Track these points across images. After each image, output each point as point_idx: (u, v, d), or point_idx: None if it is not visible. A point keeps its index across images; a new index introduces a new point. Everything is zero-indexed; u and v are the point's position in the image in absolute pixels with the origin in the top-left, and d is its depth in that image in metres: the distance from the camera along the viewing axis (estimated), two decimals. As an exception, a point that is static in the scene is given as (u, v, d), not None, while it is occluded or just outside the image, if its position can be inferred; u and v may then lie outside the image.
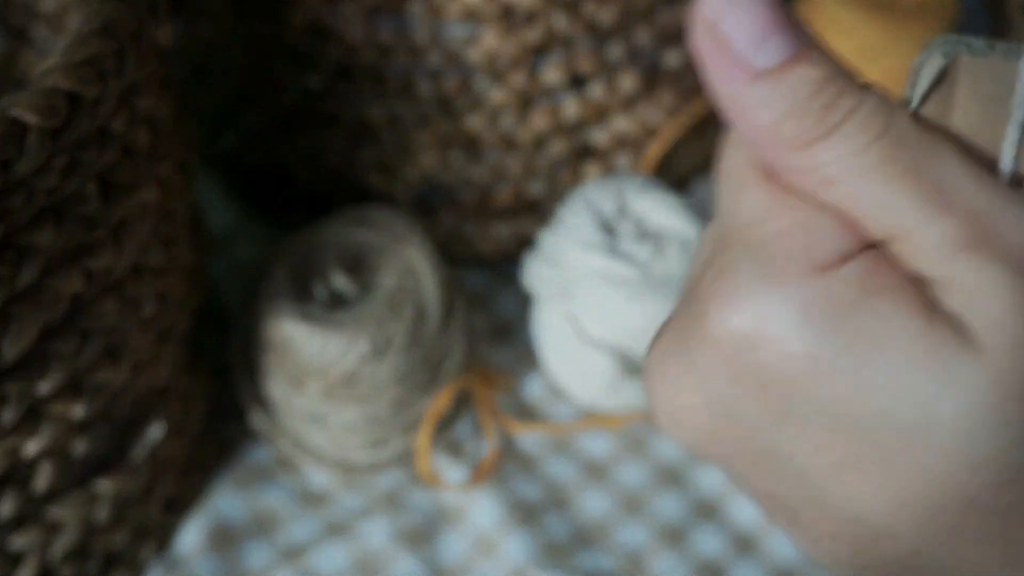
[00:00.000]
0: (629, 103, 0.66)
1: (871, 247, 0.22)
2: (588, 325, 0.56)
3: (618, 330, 0.55)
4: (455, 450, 0.59)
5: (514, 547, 0.55)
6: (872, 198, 0.21)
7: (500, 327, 0.64)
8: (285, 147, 0.67)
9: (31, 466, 0.45)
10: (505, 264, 0.67)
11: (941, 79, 0.23)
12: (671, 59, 0.66)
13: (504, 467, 0.58)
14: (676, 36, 0.65)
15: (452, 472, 0.58)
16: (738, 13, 0.21)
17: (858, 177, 0.21)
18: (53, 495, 0.47)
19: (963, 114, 0.23)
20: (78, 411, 0.45)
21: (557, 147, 0.65)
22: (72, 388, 0.44)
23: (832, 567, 0.25)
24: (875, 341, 0.21)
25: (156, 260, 0.47)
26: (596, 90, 0.64)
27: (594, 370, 0.56)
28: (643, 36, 0.63)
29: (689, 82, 0.68)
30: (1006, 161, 0.22)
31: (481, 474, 0.57)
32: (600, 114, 0.65)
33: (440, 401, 0.55)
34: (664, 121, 0.67)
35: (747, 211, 0.23)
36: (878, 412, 0.21)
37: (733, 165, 0.23)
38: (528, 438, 0.60)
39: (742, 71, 0.21)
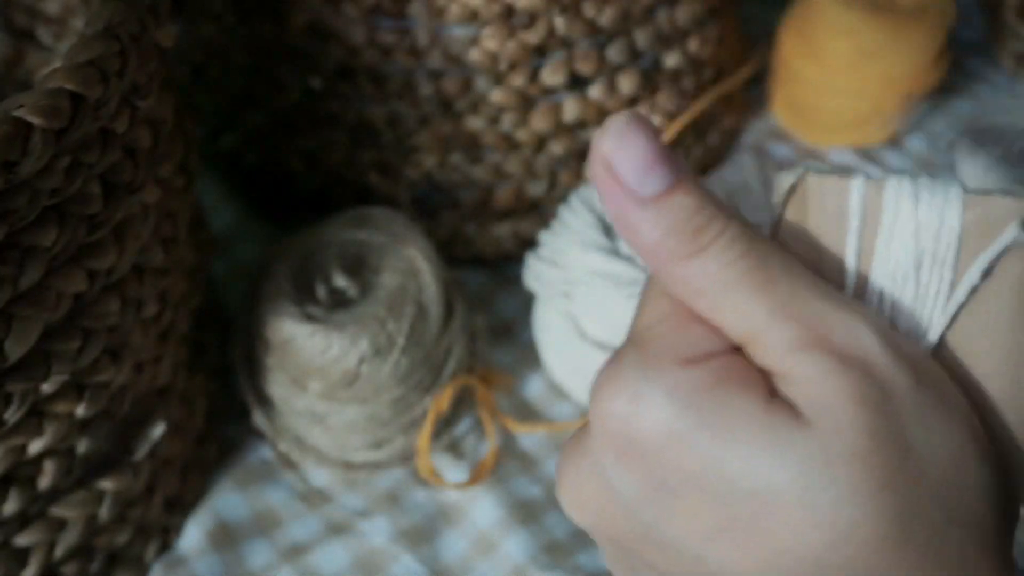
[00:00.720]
0: (629, 104, 0.66)
1: (735, 349, 0.26)
2: (588, 325, 0.56)
3: (618, 330, 0.55)
4: (455, 450, 0.59)
5: (514, 546, 0.55)
6: (732, 307, 0.26)
7: (500, 327, 0.64)
8: (286, 147, 0.67)
9: (35, 465, 0.45)
10: (505, 264, 0.67)
11: (794, 191, 0.28)
12: (671, 60, 0.66)
13: (504, 467, 0.58)
14: (676, 37, 0.65)
15: (452, 472, 0.58)
16: (627, 150, 0.25)
17: (721, 289, 0.26)
18: (56, 494, 0.48)
19: (814, 220, 0.28)
20: (80, 410, 0.45)
21: (557, 147, 0.65)
22: (74, 387, 0.44)
23: None
24: (725, 420, 0.25)
25: (158, 260, 0.48)
26: (596, 90, 0.64)
27: (594, 370, 0.56)
28: (643, 37, 0.63)
29: (689, 83, 0.68)
30: (850, 263, 0.28)
31: (481, 474, 0.57)
32: (600, 114, 0.65)
33: (441, 401, 0.56)
34: (664, 121, 0.67)
35: (645, 316, 0.27)
36: (729, 481, 0.25)
37: (647, 284, 0.28)
38: (528, 438, 0.60)
39: (631, 199, 0.26)
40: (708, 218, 0.26)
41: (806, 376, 0.25)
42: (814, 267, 0.28)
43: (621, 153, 0.26)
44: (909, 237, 0.27)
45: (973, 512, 0.25)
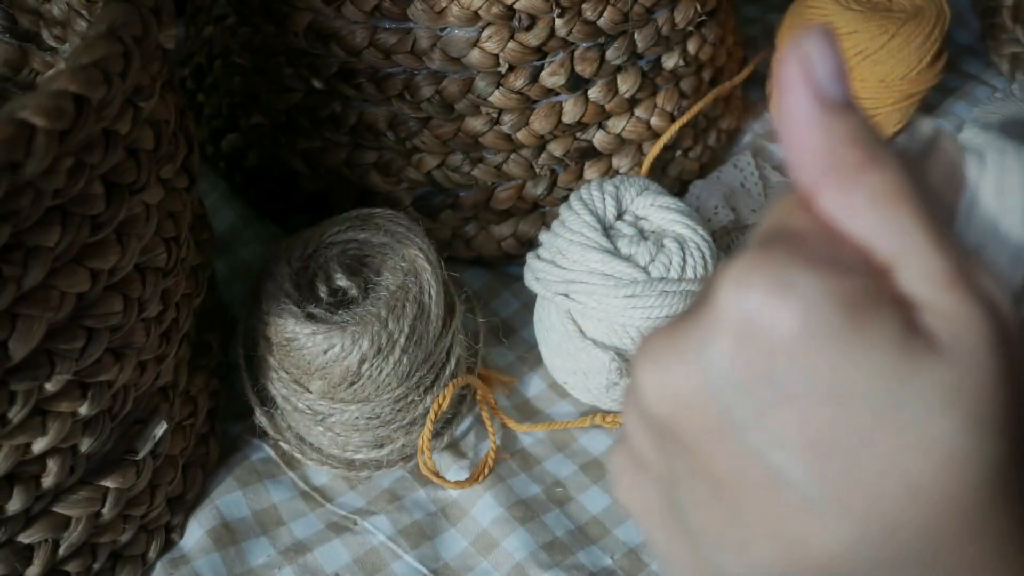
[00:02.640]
0: (629, 104, 0.66)
1: (879, 273, 0.26)
2: (588, 325, 0.56)
3: (618, 330, 0.56)
4: (456, 449, 0.59)
5: (514, 545, 0.55)
6: (891, 224, 0.26)
7: (500, 327, 0.64)
8: (288, 148, 0.67)
9: (39, 463, 0.45)
10: (505, 264, 0.67)
11: (928, 142, 0.29)
12: (671, 60, 0.66)
13: (504, 466, 0.58)
14: (676, 38, 0.66)
15: (453, 471, 0.58)
16: (827, 54, 0.27)
17: (884, 204, 0.26)
18: (60, 492, 0.48)
19: (936, 175, 0.29)
20: (84, 409, 0.45)
21: (557, 148, 0.65)
22: (77, 386, 0.45)
23: None
24: (865, 333, 0.25)
25: (160, 260, 0.48)
26: (596, 91, 0.64)
27: (594, 370, 0.57)
28: (643, 38, 0.63)
29: (689, 83, 0.68)
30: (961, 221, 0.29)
31: (482, 472, 0.57)
32: (600, 115, 0.65)
33: (441, 400, 0.56)
34: (664, 121, 0.67)
35: (784, 221, 0.27)
36: (853, 392, 0.25)
37: (776, 202, 0.28)
38: (528, 437, 0.60)
39: (819, 99, 0.27)
40: (878, 139, 0.27)
41: (954, 312, 0.25)
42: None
43: (821, 54, 0.27)
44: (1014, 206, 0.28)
45: None
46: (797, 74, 0.27)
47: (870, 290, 0.25)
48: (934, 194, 0.28)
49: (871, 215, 0.26)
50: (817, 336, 0.25)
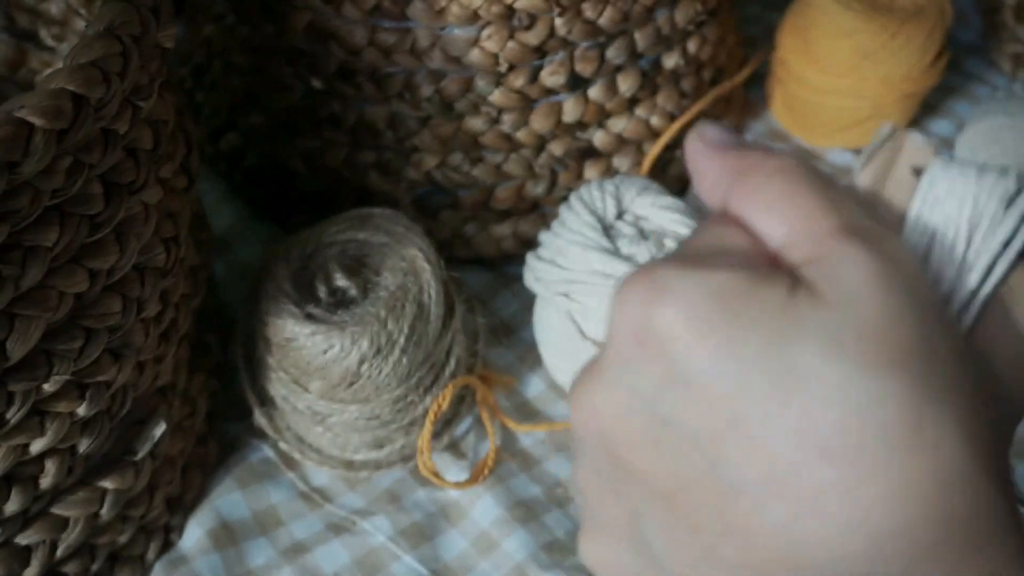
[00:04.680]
0: (629, 104, 0.66)
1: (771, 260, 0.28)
2: (588, 325, 0.56)
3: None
4: (456, 449, 0.59)
5: (514, 546, 0.55)
6: (781, 200, 0.28)
7: (500, 327, 0.64)
8: (287, 148, 0.67)
9: (36, 464, 0.45)
10: (505, 264, 0.67)
11: (887, 143, 0.30)
12: (671, 60, 0.66)
13: (504, 466, 0.58)
14: (676, 37, 0.66)
15: (453, 471, 0.58)
16: (715, 129, 0.31)
17: (777, 184, 0.28)
18: (58, 493, 0.48)
19: (895, 175, 0.30)
20: (82, 409, 0.45)
21: (557, 147, 0.65)
22: (76, 387, 0.45)
23: None
24: (746, 309, 0.26)
25: (159, 260, 0.48)
26: (596, 91, 0.64)
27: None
28: (643, 37, 0.63)
29: (688, 83, 0.68)
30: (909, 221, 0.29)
31: (481, 473, 0.57)
32: (600, 114, 0.65)
33: (441, 400, 0.56)
34: (664, 121, 0.67)
35: (683, 242, 0.30)
36: (746, 365, 0.25)
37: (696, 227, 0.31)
38: (528, 437, 0.60)
39: (714, 141, 0.30)
40: (766, 147, 0.29)
41: (835, 256, 0.26)
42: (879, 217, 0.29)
43: (711, 128, 0.31)
44: (958, 207, 0.29)
45: (986, 417, 0.26)
46: (692, 138, 0.31)
47: (749, 274, 0.26)
48: (873, 196, 0.30)
49: (768, 192, 0.28)
50: (698, 326, 0.26)
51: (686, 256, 0.27)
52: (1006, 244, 0.28)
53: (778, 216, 0.27)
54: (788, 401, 0.25)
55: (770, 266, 0.27)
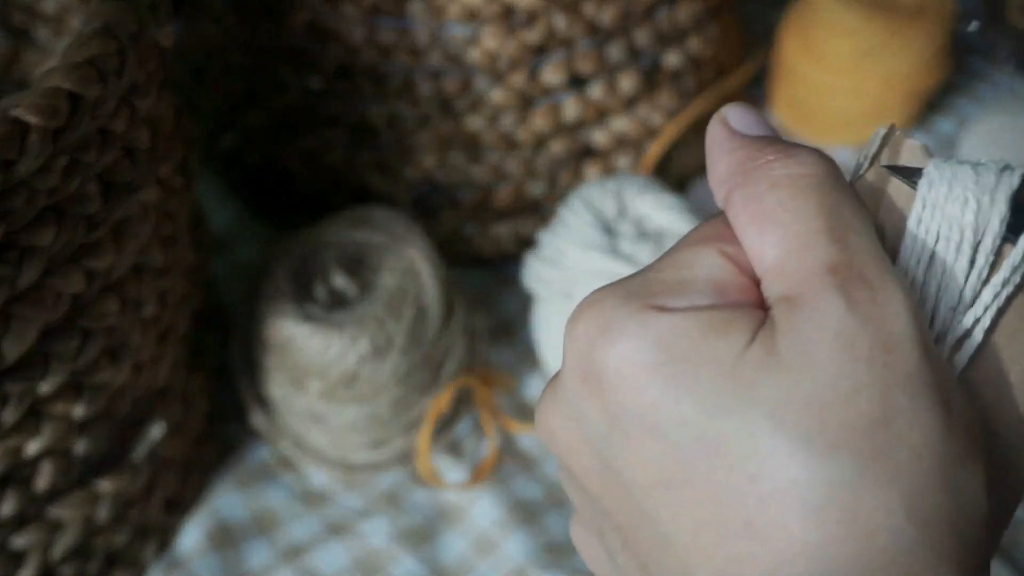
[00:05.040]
0: (629, 103, 0.66)
1: (750, 291, 0.26)
2: (588, 325, 0.56)
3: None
4: (455, 450, 0.59)
5: (514, 547, 0.55)
6: (791, 218, 0.25)
7: (500, 327, 0.64)
8: (286, 147, 0.67)
9: (32, 466, 0.45)
10: (505, 264, 0.67)
11: (885, 147, 0.28)
12: (671, 59, 0.66)
13: (504, 467, 0.58)
14: (676, 37, 0.65)
15: (452, 472, 0.58)
16: (743, 113, 0.28)
17: (786, 197, 0.25)
18: (54, 495, 0.48)
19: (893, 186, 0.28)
20: (79, 411, 0.45)
21: (557, 147, 0.65)
22: (73, 388, 0.44)
23: None
24: (689, 363, 0.24)
25: (157, 260, 0.47)
26: (596, 90, 0.64)
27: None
28: (643, 36, 0.63)
29: (689, 83, 0.68)
30: (908, 238, 0.27)
31: (481, 474, 0.57)
32: (600, 114, 0.65)
33: (440, 401, 0.56)
34: (664, 121, 0.67)
35: (655, 263, 0.27)
36: (679, 426, 0.24)
37: (683, 238, 0.28)
38: (528, 438, 0.60)
39: (734, 125, 0.28)
40: (792, 144, 0.26)
41: (808, 304, 0.24)
42: (878, 227, 0.27)
43: (737, 111, 0.28)
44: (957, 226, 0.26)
45: (962, 510, 0.23)
46: (715, 121, 0.28)
47: (704, 321, 0.24)
48: (878, 202, 0.27)
49: (768, 206, 0.25)
50: (637, 374, 0.24)
51: (643, 287, 0.25)
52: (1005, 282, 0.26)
53: (772, 238, 0.25)
54: (715, 469, 0.23)
55: (734, 306, 0.25)
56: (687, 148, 0.71)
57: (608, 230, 0.56)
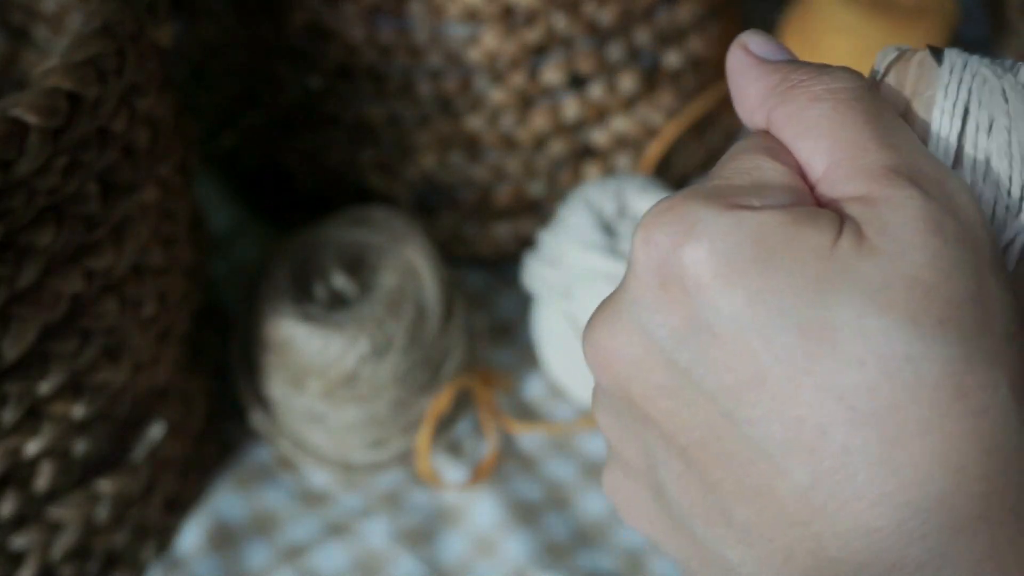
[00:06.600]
0: (629, 103, 0.66)
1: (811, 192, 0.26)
2: (588, 325, 0.56)
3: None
4: (455, 450, 0.59)
5: (514, 547, 0.55)
6: (838, 128, 0.25)
7: (500, 327, 0.64)
8: (285, 147, 0.67)
9: (31, 466, 0.45)
10: (505, 264, 0.67)
11: (896, 65, 0.28)
12: (671, 59, 0.66)
13: (504, 467, 0.58)
14: (676, 36, 0.65)
15: (452, 472, 0.58)
16: (762, 39, 0.28)
17: (832, 110, 0.25)
18: (53, 495, 0.47)
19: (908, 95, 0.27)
20: (78, 411, 0.45)
21: (557, 147, 0.65)
22: (72, 388, 0.44)
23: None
24: (782, 256, 0.24)
25: (156, 260, 0.47)
26: (596, 90, 0.64)
27: (594, 370, 0.56)
28: (643, 36, 0.63)
29: (689, 82, 0.68)
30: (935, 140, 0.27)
31: (481, 474, 0.57)
32: (600, 114, 0.65)
33: (440, 401, 0.55)
34: (664, 121, 0.67)
35: (715, 169, 0.27)
36: (778, 316, 0.24)
37: (730, 150, 0.28)
38: (528, 438, 0.60)
39: (757, 53, 0.28)
40: (821, 64, 0.27)
41: (886, 199, 0.24)
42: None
43: (756, 37, 0.28)
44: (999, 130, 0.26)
45: None
46: (735, 48, 0.28)
47: (789, 214, 0.24)
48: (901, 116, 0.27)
49: (814, 117, 0.25)
50: (729, 271, 0.24)
51: (720, 190, 0.25)
52: None
53: (823, 145, 0.25)
54: (818, 357, 0.23)
55: (813, 205, 0.25)
56: (687, 148, 0.71)
57: (608, 230, 0.56)
